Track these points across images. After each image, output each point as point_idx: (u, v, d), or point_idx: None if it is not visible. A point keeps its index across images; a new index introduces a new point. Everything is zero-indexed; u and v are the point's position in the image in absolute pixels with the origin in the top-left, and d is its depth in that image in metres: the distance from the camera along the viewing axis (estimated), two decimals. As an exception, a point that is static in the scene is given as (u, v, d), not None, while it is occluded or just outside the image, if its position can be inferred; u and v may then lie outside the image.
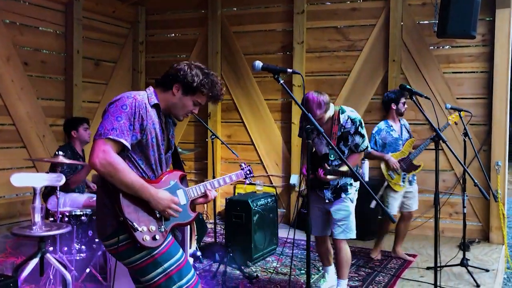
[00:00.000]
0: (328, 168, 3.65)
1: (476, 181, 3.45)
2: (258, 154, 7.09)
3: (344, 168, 3.65)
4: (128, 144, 2.28)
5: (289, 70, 2.40)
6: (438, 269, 4.68)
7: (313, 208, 3.78)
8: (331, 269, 4.14)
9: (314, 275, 4.53)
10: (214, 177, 4.10)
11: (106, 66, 7.24)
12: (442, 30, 5.46)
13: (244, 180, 3.01)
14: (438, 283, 3.37)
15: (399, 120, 5.12)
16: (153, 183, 2.37)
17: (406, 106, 5.07)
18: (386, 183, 4.91)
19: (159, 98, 2.43)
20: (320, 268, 4.52)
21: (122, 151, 2.30)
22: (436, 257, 3.32)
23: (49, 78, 6.45)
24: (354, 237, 3.84)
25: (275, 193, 6.17)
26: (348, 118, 3.73)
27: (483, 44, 6.02)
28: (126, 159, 2.31)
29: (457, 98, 6.10)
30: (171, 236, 2.43)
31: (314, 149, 3.87)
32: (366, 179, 5.40)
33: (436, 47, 6.28)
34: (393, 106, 5.04)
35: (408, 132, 5.20)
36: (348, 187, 3.81)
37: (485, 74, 6.03)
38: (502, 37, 5.81)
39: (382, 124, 5.06)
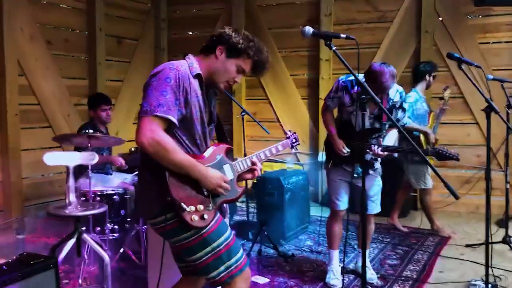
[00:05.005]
0: (380, 144, 3.50)
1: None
2: (284, 132, 6.92)
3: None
4: (175, 121, 2.14)
5: (342, 35, 2.21)
6: (478, 246, 4.60)
7: (340, 182, 3.72)
8: (337, 254, 3.87)
9: (350, 253, 4.42)
10: (245, 155, 3.99)
11: (128, 44, 7.11)
12: (481, -3, 5.22)
13: (290, 149, 2.84)
14: (489, 263, 3.22)
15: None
16: (198, 158, 2.24)
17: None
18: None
19: (200, 66, 2.28)
20: (355, 246, 4.34)
21: (168, 127, 2.17)
22: (487, 234, 3.18)
23: (72, 57, 6.35)
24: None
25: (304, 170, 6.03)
26: (396, 91, 3.59)
27: (522, 12, 5.74)
28: (170, 136, 2.17)
29: (493, 70, 5.84)
30: (219, 214, 2.31)
31: (343, 121, 3.80)
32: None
33: (471, 16, 6.00)
34: (427, 78, 5.01)
35: None
36: (375, 162, 3.74)
37: (524, 44, 5.77)
38: (544, 4, 5.51)
39: (415, 94, 4.90)
